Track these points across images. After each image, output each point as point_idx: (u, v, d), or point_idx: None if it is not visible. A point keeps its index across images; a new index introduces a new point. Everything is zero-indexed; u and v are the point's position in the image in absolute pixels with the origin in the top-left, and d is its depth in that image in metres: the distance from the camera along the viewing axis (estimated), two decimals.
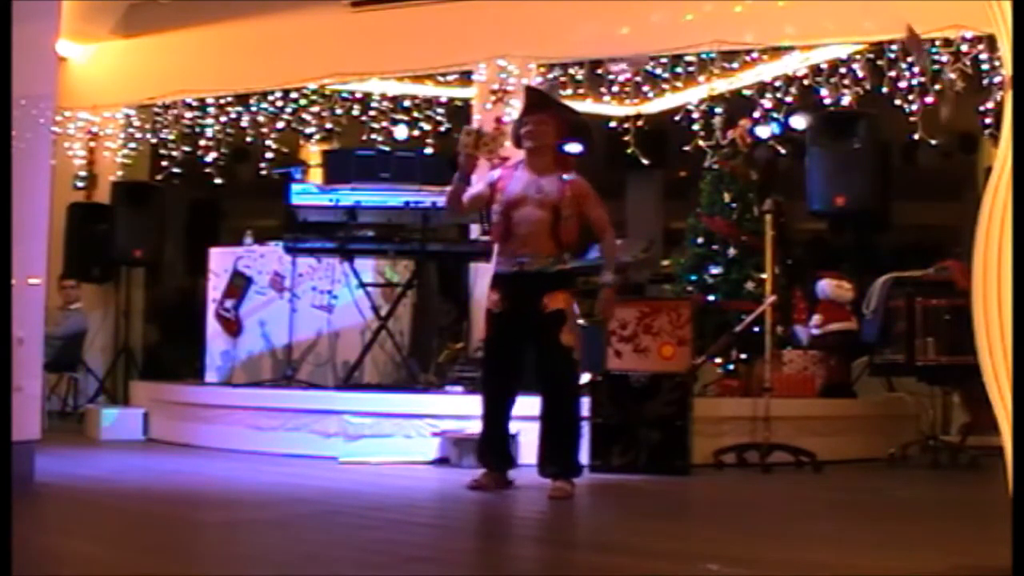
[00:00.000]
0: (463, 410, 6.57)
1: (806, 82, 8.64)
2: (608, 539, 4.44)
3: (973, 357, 3.25)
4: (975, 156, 10.48)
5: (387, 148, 9.26)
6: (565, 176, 5.56)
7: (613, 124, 9.54)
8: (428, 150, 9.69)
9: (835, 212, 8.57)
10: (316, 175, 9.33)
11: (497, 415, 5.58)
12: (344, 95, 10.05)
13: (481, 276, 8.03)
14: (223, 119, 10.36)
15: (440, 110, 9.99)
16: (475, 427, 6.55)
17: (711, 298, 7.98)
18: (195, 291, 10.43)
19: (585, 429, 6.45)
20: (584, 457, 6.39)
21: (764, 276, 6.99)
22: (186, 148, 10.45)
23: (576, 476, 5.51)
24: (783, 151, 9.15)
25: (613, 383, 6.46)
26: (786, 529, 4.50)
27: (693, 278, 8.19)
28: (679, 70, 8.91)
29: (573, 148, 5.73)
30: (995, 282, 3.15)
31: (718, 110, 8.81)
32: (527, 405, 6.75)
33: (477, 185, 5.73)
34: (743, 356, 7.72)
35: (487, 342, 5.70)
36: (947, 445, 7.00)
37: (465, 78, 9.64)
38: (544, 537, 4.31)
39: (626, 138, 9.32)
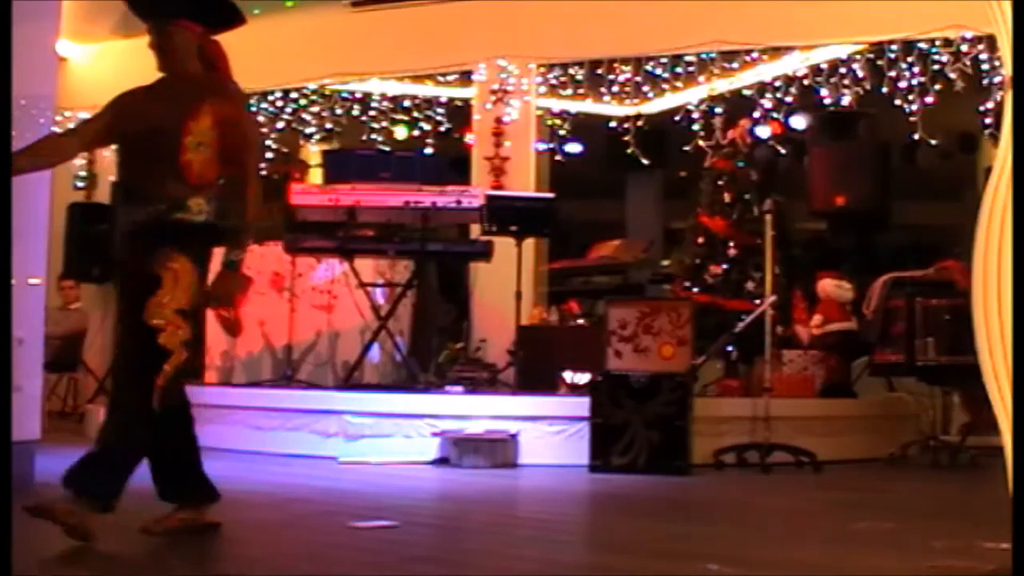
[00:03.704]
0: (463, 410, 6.56)
1: (806, 82, 8.65)
2: (608, 539, 4.43)
3: (973, 357, 3.26)
4: (975, 156, 10.48)
5: (387, 148, 9.27)
6: (209, 86, 3.98)
7: (613, 124, 9.55)
8: (428, 150, 9.69)
9: (835, 212, 8.58)
10: (316, 175, 9.33)
11: None
12: (344, 95, 10.06)
13: (481, 276, 8.02)
14: None
15: (440, 110, 10.00)
16: (475, 427, 6.56)
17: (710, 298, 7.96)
18: None
19: (585, 429, 6.46)
20: (584, 457, 6.39)
21: (764, 276, 6.98)
22: None
23: (87, 495, 3.71)
24: (783, 151, 9.15)
25: (613, 383, 6.45)
26: (786, 529, 4.50)
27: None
28: (679, 70, 8.92)
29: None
30: (995, 282, 3.16)
31: (718, 110, 8.82)
32: (525, 405, 6.81)
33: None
34: (736, 357, 7.70)
35: None
36: (947, 445, 7.00)
37: (465, 78, 9.64)
38: (544, 537, 4.30)
39: (626, 138, 9.34)
